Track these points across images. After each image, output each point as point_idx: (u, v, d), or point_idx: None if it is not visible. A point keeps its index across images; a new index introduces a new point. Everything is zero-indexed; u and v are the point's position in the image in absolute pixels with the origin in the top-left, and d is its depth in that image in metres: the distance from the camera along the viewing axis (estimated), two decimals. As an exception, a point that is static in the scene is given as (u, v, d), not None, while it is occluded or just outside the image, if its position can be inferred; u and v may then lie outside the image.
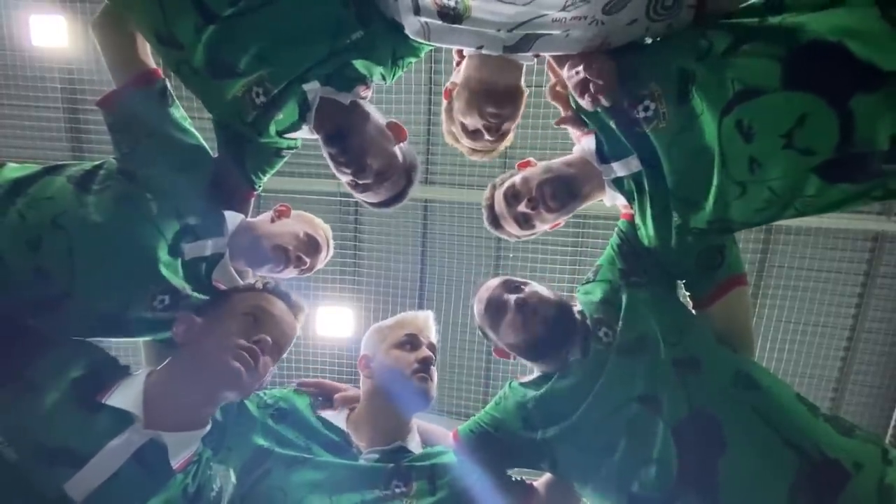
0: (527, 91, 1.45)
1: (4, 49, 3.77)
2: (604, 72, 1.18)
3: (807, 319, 3.84)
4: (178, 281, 1.31)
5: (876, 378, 3.89)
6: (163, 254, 1.28)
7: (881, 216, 3.58)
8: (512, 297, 1.35)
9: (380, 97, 3.42)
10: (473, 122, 1.40)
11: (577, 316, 1.38)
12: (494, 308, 1.38)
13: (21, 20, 3.66)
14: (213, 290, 1.38)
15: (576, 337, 1.33)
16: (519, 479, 1.44)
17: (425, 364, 1.38)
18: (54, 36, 3.65)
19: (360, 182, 1.37)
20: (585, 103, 1.22)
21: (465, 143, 1.48)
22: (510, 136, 1.48)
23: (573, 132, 1.44)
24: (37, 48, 3.70)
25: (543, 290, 1.39)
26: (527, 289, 1.38)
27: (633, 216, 1.36)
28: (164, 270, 1.28)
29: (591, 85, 1.19)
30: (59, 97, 3.85)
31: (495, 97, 1.36)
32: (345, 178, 1.40)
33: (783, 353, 3.89)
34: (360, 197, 1.46)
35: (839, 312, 3.80)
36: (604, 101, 1.20)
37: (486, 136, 1.41)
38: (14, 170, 1.29)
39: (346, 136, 1.32)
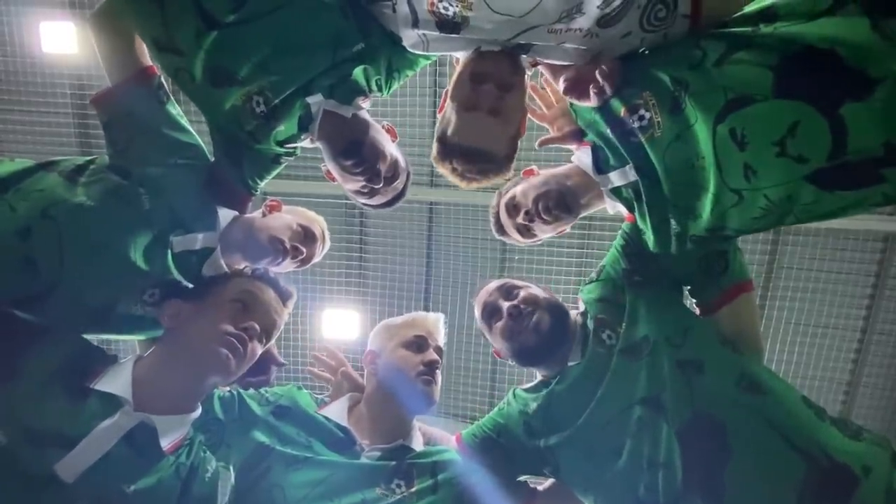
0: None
1: (15, 55, 3.81)
2: (600, 75, 1.17)
3: (817, 321, 3.80)
4: (170, 274, 1.30)
5: (888, 381, 3.84)
6: (151, 247, 1.28)
7: (892, 217, 3.54)
8: (505, 305, 1.36)
9: (384, 100, 3.42)
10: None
11: (577, 319, 1.38)
12: (488, 313, 1.41)
13: (31, 27, 3.70)
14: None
15: (572, 342, 1.33)
16: (522, 481, 1.43)
17: (431, 367, 1.38)
18: (64, 42, 3.69)
19: (374, 187, 1.39)
20: (592, 101, 1.22)
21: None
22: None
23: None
24: (47, 55, 3.74)
25: (540, 295, 1.39)
26: (523, 293, 1.38)
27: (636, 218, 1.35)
28: (151, 264, 1.28)
29: (591, 85, 1.18)
30: (69, 103, 3.89)
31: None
32: (355, 186, 1.41)
33: (793, 355, 3.84)
34: (366, 202, 1.48)
35: (850, 314, 3.75)
36: (607, 91, 1.19)
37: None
38: (6, 165, 1.30)
39: (361, 147, 1.34)
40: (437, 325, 1.50)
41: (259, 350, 1.23)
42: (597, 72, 1.16)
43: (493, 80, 1.22)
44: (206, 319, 1.20)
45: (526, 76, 1.31)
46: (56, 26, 3.67)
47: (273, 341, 1.33)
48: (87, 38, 1.40)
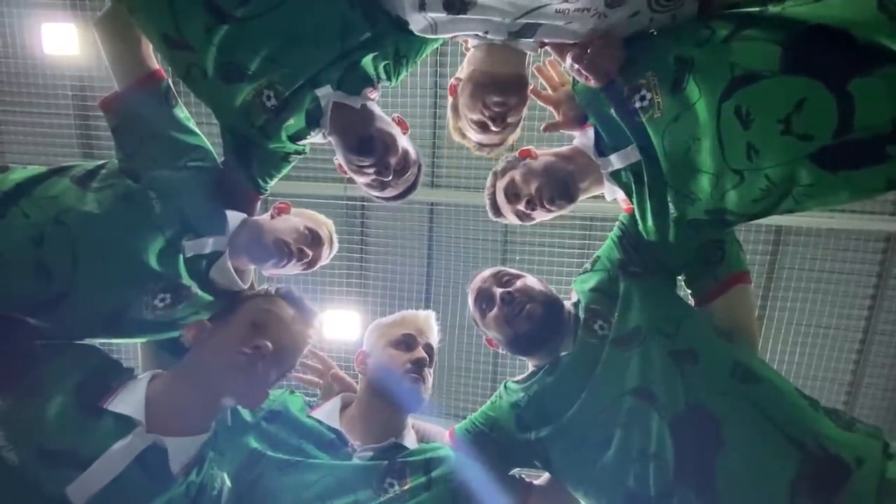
0: (531, 84, 1.44)
1: (16, 57, 3.82)
2: (603, 56, 1.18)
3: (818, 322, 3.79)
4: (181, 279, 1.31)
5: (890, 381, 3.83)
6: (163, 251, 1.28)
7: (893, 217, 3.53)
8: (499, 291, 1.35)
9: (385, 101, 3.42)
10: (478, 114, 1.40)
11: (570, 309, 1.37)
12: (482, 300, 1.40)
13: (32, 28, 3.71)
14: (215, 288, 1.38)
15: (565, 332, 1.33)
16: (518, 476, 1.43)
17: (418, 365, 1.36)
18: (66, 44, 3.70)
19: (384, 180, 1.39)
20: (594, 81, 1.22)
21: (472, 136, 1.48)
22: (517, 131, 1.48)
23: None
24: (48, 56, 3.76)
25: (535, 285, 1.39)
26: (518, 282, 1.37)
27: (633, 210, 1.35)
28: (164, 268, 1.28)
29: (590, 66, 1.19)
30: (71, 104, 3.90)
31: (499, 87, 1.36)
32: (366, 179, 1.41)
33: (794, 355, 3.84)
34: (376, 195, 1.47)
35: (851, 314, 3.75)
36: (612, 71, 1.20)
37: (492, 127, 1.41)
38: (19, 172, 1.31)
39: (372, 142, 1.34)
40: (427, 322, 1.48)
41: (274, 372, 1.21)
42: (602, 52, 1.17)
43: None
44: (219, 339, 1.20)
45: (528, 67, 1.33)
46: (57, 28, 3.68)
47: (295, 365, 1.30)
48: (94, 41, 1.39)
